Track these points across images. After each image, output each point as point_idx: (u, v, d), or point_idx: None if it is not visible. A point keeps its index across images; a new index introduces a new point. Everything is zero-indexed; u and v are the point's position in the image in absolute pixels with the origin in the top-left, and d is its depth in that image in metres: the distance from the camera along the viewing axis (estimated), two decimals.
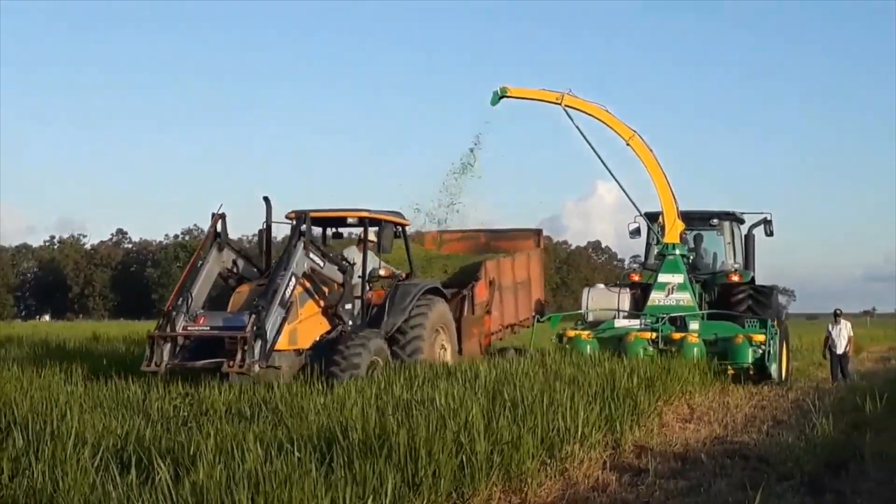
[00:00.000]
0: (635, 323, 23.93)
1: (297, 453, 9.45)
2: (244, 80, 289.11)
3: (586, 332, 24.09)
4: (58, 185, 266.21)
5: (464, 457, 10.14)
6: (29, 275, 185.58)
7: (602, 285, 26.89)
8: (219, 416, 12.13)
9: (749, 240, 26.39)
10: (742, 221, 26.74)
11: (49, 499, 7.34)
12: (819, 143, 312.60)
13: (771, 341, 22.93)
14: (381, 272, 20.13)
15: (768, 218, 26.04)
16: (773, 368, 23.24)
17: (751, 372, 23.14)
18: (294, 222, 18.06)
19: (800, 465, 12.93)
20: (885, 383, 22.66)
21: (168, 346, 16.44)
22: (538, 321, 26.34)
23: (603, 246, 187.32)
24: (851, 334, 30.33)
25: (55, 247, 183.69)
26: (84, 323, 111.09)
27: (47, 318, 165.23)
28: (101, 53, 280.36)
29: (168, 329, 16.56)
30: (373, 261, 20.37)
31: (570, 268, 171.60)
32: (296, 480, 8.13)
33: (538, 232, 28.95)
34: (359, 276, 19.39)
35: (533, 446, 11.34)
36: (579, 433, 12.68)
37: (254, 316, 15.73)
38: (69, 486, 7.71)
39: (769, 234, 26.17)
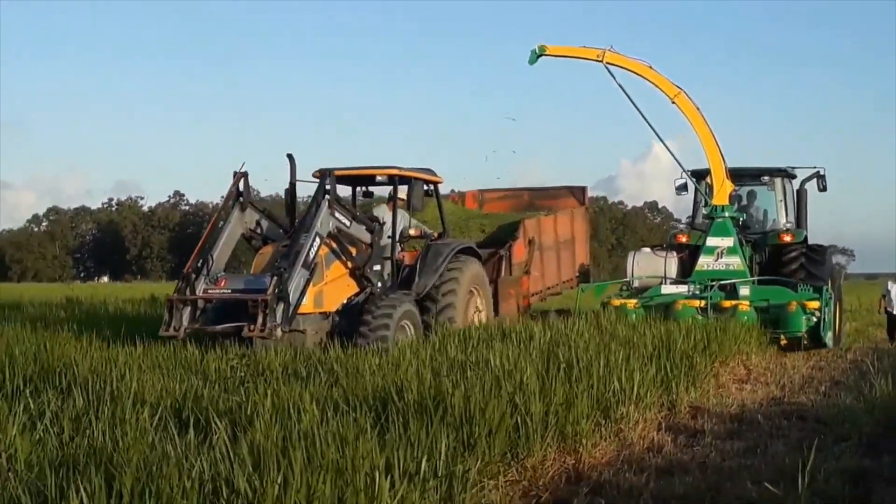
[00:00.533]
0: (683, 289, 23.00)
1: (352, 413, 9.54)
2: (300, 45, 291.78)
3: (632, 301, 23.12)
4: (116, 148, 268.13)
5: (518, 417, 10.14)
6: (88, 237, 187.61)
7: (648, 249, 25.39)
8: (275, 377, 12.22)
9: (801, 196, 25.31)
10: (794, 177, 25.65)
11: (109, 458, 7.38)
12: (874, 99, 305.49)
13: (825, 308, 21.89)
14: (412, 231, 19.40)
15: (821, 172, 25.06)
16: (829, 336, 22.24)
17: (804, 341, 22.09)
18: (321, 179, 17.29)
19: (858, 427, 12.80)
20: None
21: (188, 309, 15.94)
22: (582, 291, 25.53)
23: (660, 206, 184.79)
24: None
25: (113, 209, 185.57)
26: (142, 284, 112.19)
27: (106, 279, 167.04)
28: (160, 20, 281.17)
29: (188, 293, 16.05)
30: (404, 220, 19.70)
31: (626, 228, 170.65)
32: (351, 440, 8.17)
33: (583, 189, 28.03)
34: (388, 237, 18.67)
35: (587, 407, 11.32)
36: (634, 394, 12.67)
37: (276, 278, 15.18)
38: (128, 446, 7.79)
39: (822, 188, 25.21)
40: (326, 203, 16.48)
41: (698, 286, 22.66)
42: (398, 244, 18.99)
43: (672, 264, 23.75)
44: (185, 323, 15.56)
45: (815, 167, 25.03)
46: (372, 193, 20.49)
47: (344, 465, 7.68)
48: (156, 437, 8.29)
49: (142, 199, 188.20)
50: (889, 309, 28.70)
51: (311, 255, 15.93)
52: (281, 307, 14.99)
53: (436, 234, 20.23)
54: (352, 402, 10.18)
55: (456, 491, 8.63)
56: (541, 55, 24.56)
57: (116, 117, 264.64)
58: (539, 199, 27.08)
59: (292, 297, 15.25)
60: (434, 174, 20.18)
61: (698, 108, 23.52)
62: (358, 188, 20.57)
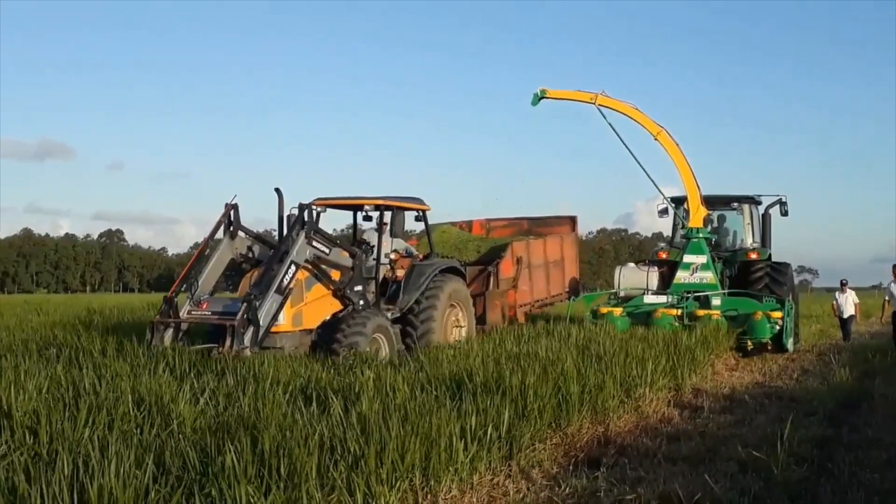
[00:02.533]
0: (663, 299, 20.90)
1: (434, 392, 9.62)
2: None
3: (618, 310, 20.90)
4: (262, 191, 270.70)
5: (560, 396, 10.22)
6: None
7: (633, 264, 23.18)
8: (375, 364, 12.30)
9: (766, 220, 23.11)
10: (759, 203, 23.42)
11: (253, 424, 7.50)
12: (833, 140, 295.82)
13: (787, 318, 19.99)
14: (392, 255, 16.88)
15: (783, 200, 22.96)
16: (790, 342, 20.41)
17: (769, 347, 20.05)
18: (300, 213, 14.73)
19: (822, 404, 12.93)
20: (888, 341, 22.24)
21: (170, 330, 13.69)
22: (571, 301, 23.14)
23: (664, 236, 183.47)
24: (857, 301, 28.53)
25: None
26: None
27: None
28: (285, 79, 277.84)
29: (170, 315, 13.81)
30: (397, 243, 17.55)
31: (642, 253, 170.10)
32: (434, 411, 8.25)
33: (573, 218, 25.47)
34: (373, 259, 16.26)
35: (613, 389, 11.37)
36: (649, 379, 12.66)
37: (245, 304, 13.05)
38: (267, 415, 7.90)
39: (784, 213, 23.05)
40: (303, 234, 14.33)
41: (676, 297, 20.77)
42: (390, 265, 16.91)
43: (653, 277, 21.83)
44: (166, 343, 13.32)
45: (778, 195, 23.22)
46: (371, 217, 17.59)
47: (429, 431, 7.75)
48: (288, 409, 8.40)
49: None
50: (840, 314, 27.93)
51: (286, 282, 13.78)
52: (251, 330, 12.98)
53: (421, 256, 18.19)
54: (434, 383, 10.22)
55: (514, 451, 8.70)
56: (542, 97, 22.64)
57: (262, 168, 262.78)
58: (537, 227, 24.63)
59: (263, 321, 13.23)
60: (422, 203, 18.06)
61: (677, 144, 21.63)
62: (359, 213, 18.12)
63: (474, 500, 7.39)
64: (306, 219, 14.52)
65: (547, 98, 22.50)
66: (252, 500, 5.76)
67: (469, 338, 16.55)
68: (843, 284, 28.30)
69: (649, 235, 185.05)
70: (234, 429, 7.38)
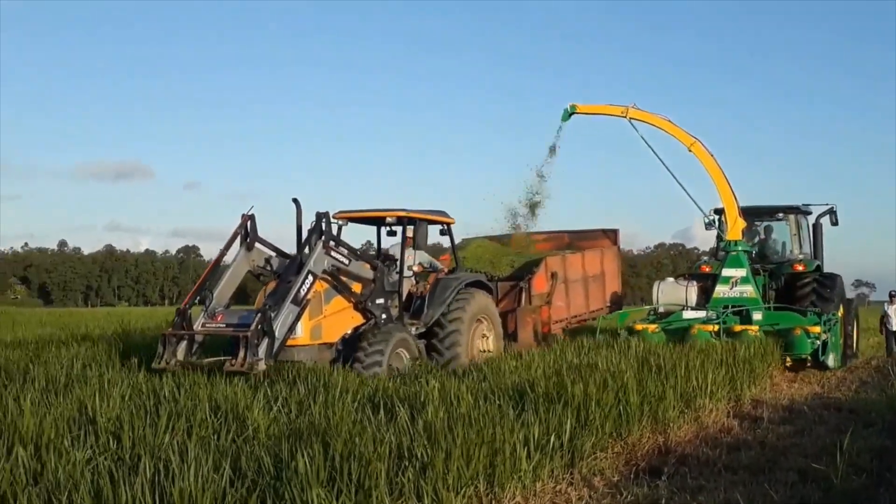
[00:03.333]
0: (701, 314, 19.49)
1: (497, 401, 9.60)
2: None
3: (653, 326, 19.40)
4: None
5: (621, 406, 10.14)
6: None
7: (672, 279, 21.84)
8: (440, 374, 12.33)
9: (817, 230, 21.43)
10: (809, 213, 21.64)
11: (324, 430, 7.55)
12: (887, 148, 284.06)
13: (828, 333, 18.27)
14: (415, 268, 15.84)
15: (833, 209, 21.04)
16: (831, 358, 18.54)
17: (808, 363, 18.51)
18: (317, 222, 13.78)
19: (881, 415, 12.63)
20: None
21: (184, 343, 12.74)
22: (604, 318, 21.34)
23: None
24: None
25: None
26: None
27: None
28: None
29: (183, 327, 12.89)
30: (421, 257, 16.41)
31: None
32: (498, 420, 8.23)
33: (615, 231, 23.83)
34: (396, 273, 15.20)
35: (673, 399, 11.28)
36: (709, 390, 12.54)
37: (259, 315, 12.14)
38: (338, 422, 7.95)
39: (834, 223, 21.12)
40: (321, 244, 13.35)
41: (715, 312, 19.28)
42: (415, 278, 16.02)
43: (692, 292, 20.34)
44: (178, 356, 12.50)
45: (829, 204, 21.27)
46: (395, 232, 16.47)
47: (493, 439, 7.73)
48: (357, 416, 8.45)
49: None
50: (888, 325, 26.32)
51: (302, 293, 12.79)
52: (266, 342, 12.04)
53: (446, 270, 16.94)
54: (497, 392, 10.21)
55: (576, 459, 8.66)
56: (573, 113, 21.53)
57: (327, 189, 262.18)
58: (577, 240, 23.17)
59: (278, 333, 12.27)
60: (446, 215, 16.81)
61: (712, 155, 20.15)
62: (382, 228, 16.89)
63: None
64: (324, 228, 13.62)
65: (578, 113, 21.57)
66: (323, 502, 5.78)
67: (497, 354, 15.59)
68: (893, 296, 26.55)
69: (706, 249, 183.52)
70: (306, 435, 7.43)
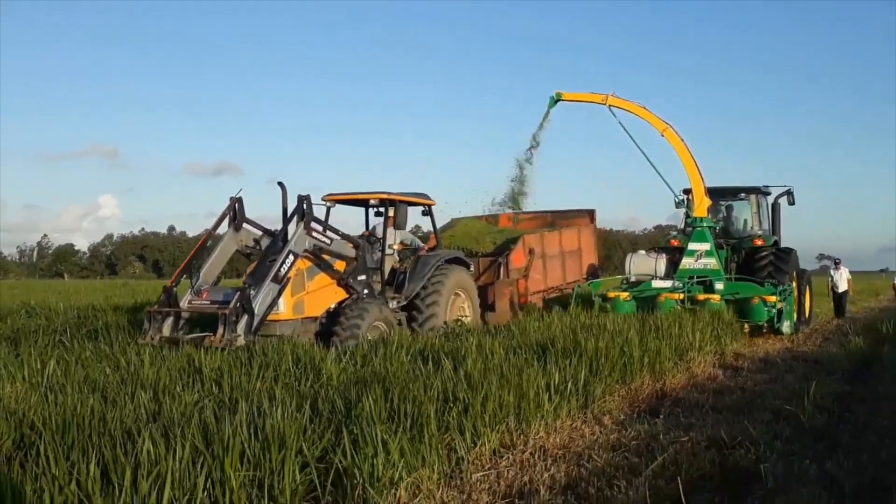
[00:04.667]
0: (668, 283, 18.10)
1: (524, 354, 9.64)
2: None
3: (625, 294, 18.00)
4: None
5: (625, 359, 10.16)
6: None
7: (643, 252, 20.03)
8: (476, 333, 12.37)
9: (775, 209, 19.80)
10: (768, 194, 19.97)
11: (383, 378, 7.65)
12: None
13: (783, 302, 16.98)
14: (395, 246, 14.37)
15: (791, 190, 19.46)
16: (786, 325, 17.13)
17: (764, 329, 17.26)
18: (299, 204, 12.31)
19: (841, 365, 12.60)
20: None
21: (170, 319, 11.41)
22: (578, 287, 19.36)
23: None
24: (850, 278, 25.67)
25: None
26: None
27: None
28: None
29: (168, 304, 11.55)
30: (404, 236, 15.01)
31: None
32: (524, 369, 8.29)
33: (591, 211, 21.92)
34: (378, 250, 13.92)
35: (669, 353, 11.31)
36: (698, 345, 12.53)
37: (238, 293, 10.92)
38: (395, 371, 8.04)
39: (791, 203, 19.51)
40: (302, 225, 11.97)
41: (681, 282, 17.96)
42: (396, 255, 14.47)
43: (661, 263, 18.80)
44: (163, 332, 11.24)
45: (785, 185, 19.71)
46: (382, 213, 14.64)
47: (520, 385, 7.79)
48: (410, 367, 8.53)
49: None
50: (835, 289, 25.58)
51: (283, 271, 11.45)
52: (245, 319, 10.78)
53: (425, 247, 15.43)
54: (523, 348, 10.24)
55: (589, 402, 8.69)
56: (557, 100, 19.68)
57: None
58: (558, 219, 21.37)
59: (258, 310, 10.99)
60: (427, 197, 15.09)
61: (683, 140, 18.46)
62: (370, 210, 15.05)
63: (558, 440, 7.38)
64: (305, 210, 12.13)
65: (563, 100, 19.72)
66: (385, 437, 5.86)
67: (474, 324, 14.40)
68: (837, 263, 25.89)
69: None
70: (370, 382, 7.52)
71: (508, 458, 6.74)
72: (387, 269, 14.00)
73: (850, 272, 26.19)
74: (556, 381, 8.33)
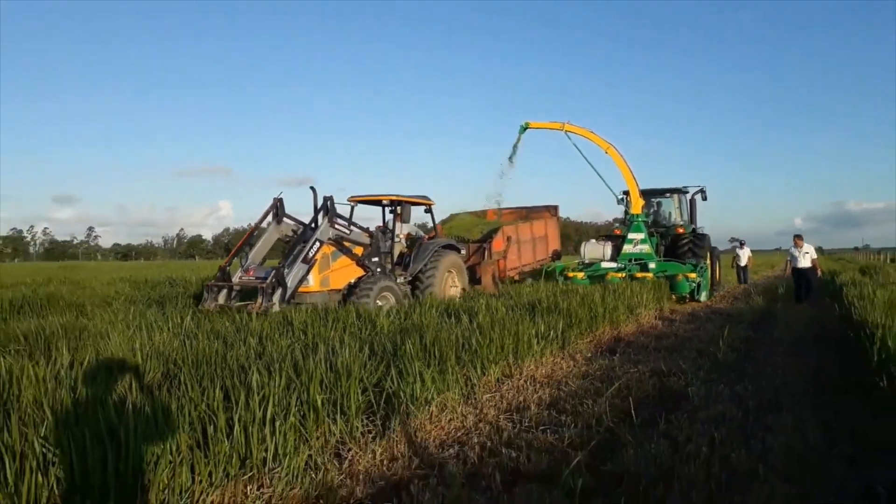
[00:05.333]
0: (613, 264, 17.16)
1: (519, 310, 9.61)
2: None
3: (581, 273, 16.89)
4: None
5: (591, 314, 10.11)
6: None
7: (594, 240, 18.93)
8: (484, 295, 12.35)
9: (692, 204, 18.90)
10: (687, 192, 19.06)
11: (419, 327, 7.59)
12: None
13: (700, 278, 16.24)
14: (401, 236, 13.60)
15: (703, 189, 18.73)
16: (703, 295, 16.45)
17: (686, 298, 16.21)
18: (324, 203, 11.62)
19: (746, 317, 12.49)
20: (786, 280, 21.21)
21: (224, 291, 10.97)
22: (546, 267, 17.91)
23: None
24: (750, 255, 24.70)
25: None
26: None
27: None
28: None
29: (223, 280, 11.14)
30: (409, 228, 14.30)
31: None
32: (519, 322, 8.28)
33: (555, 207, 20.30)
34: (389, 240, 13.21)
35: (623, 309, 11.21)
36: (644, 303, 12.43)
37: (274, 271, 10.45)
38: (428, 323, 8.04)
39: (704, 199, 18.75)
40: (326, 219, 11.46)
41: (623, 262, 17.15)
42: (403, 243, 13.68)
43: (608, 249, 17.89)
44: (220, 301, 10.79)
45: (700, 186, 18.84)
46: (396, 210, 13.66)
47: (517, 333, 7.78)
48: (438, 320, 8.53)
49: None
50: (738, 263, 24.44)
51: (311, 254, 10.94)
52: (280, 291, 10.32)
53: (426, 237, 14.65)
54: (518, 306, 10.21)
55: (565, 345, 8.66)
56: (526, 128, 17.96)
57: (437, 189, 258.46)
58: (531, 213, 20.01)
59: (291, 283, 10.51)
60: (428, 199, 14.11)
61: (622, 155, 17.32)
62: (386, 209, 13.99)
63: (543, 372, 7.39)
64: (329, 207, 11.56)
65: (530, 128, 18.06)
66: (421, 370, 5.89)
67: (463, 295, 13.37)
68: (742, 244, 24.59)
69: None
70: (411, 331, 7.53)
71: (508, 384, 6.76)
72: (396, 253, 13.39)
73: (753, 251, 25.77)
74: (542, 330, 8.30)
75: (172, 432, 3.97)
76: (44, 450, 3.61)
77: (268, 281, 10.27)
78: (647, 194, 18.51)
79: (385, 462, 4.67)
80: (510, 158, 18.97)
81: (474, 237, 17.87)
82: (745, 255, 24.42)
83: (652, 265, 16.74)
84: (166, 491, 3.80)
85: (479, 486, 4.33)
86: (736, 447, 4.80)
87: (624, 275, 16.37)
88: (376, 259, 12.61)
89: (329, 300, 11.45)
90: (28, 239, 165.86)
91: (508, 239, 17.53)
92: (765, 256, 57.45)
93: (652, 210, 19.21)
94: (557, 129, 17.74)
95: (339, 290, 11.86)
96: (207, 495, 3.94)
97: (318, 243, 11.10)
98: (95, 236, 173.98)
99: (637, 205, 17.50)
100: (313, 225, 11.66)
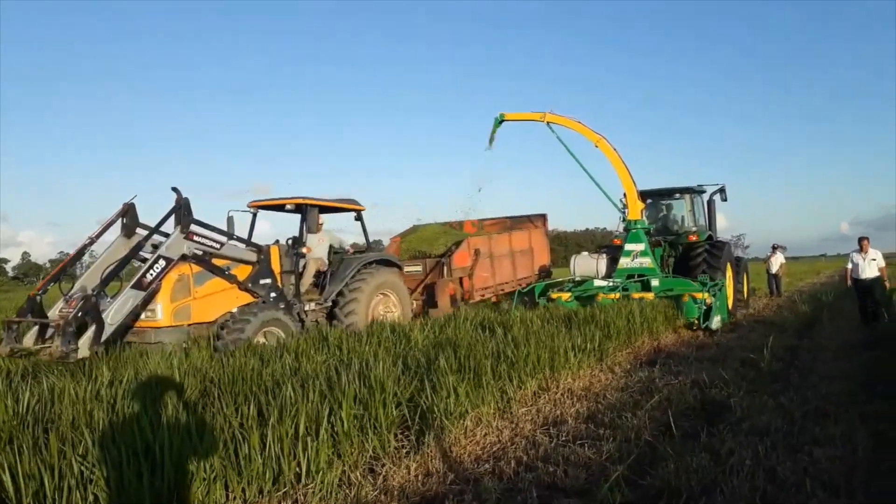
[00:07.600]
0: (605, 283, 13.92)
1: (554, 323, 9.48)
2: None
3: (566, 294, 13.55)
4: None
5: (631, 326, 9.95)
6: None
7: (586, 253, 15.94)
8: (519, 310, 12.22)
9: (710, 206, 15.82)
10: (703, 192, 15.89)
11: (453, 341, 7.54)
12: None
13: (713, 298, 12.23)
14: (303, 249, 10.37)
15: (723, 188, 15.54)
16: (715, 321, 12.09)
17: (694, 325, 12.09)
18: (177, 208, 8.45)
19: (792, 326, 12.32)
20: (832, 288, 20.57)
21: (35, 328, 7.73)
22: (520, 291, 14.39)
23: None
24: (783, 261, 21.59)
25: None
26: None
27: None
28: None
29: (30, 314, 7.79)
30: (332, 239, 11.25)
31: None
32: (555, 335, 8.17)
33: (543, 216, 17.30)
34: (295, 253, 10.14)
35: (663, 320, 11.11)
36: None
37: (82, 302, 7.40)
38: (462, 336, 7.99)
39: (724, 199, 15.58)
40: (178, 229, 8.37)
41: (620, 280, 13.76)
42: (320, 259, 10.76)
43: (602, 263, 14.87)
44: (25, 343, 7.58)
45: (719, 184, 15.68)
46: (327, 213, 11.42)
47: (553, 346, 7.68)
48: (472, 333, 8.47)
49: None
50: (769, 271, 21.44)
51: (149, 277, 7.86)
52: (92, 329, 7.28)
53: (351, 250, 11.49)
54: (553, 319, 10.08)
55: (603, 357, 8.53)
56: (502, 121, 15.05)
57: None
58: (515, 224, 16.97)
59: (111, 318, 7.46)
60: (357, 203, 11.50)
61: (615, 150, 14.06)
62: (322, 214, 11.00)
63: (581, 384, 7.28)
64: (183, 213, 8.44)
65: (506, 120, 15.11)
66: (454, 384, 5.84)
67: (405, 321, 10.76)
68: (775, 248, 21.59)
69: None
70: (444, 345, 7.48)
71: (545, 397, 6.66)
72: (311, 271, 10.54)
73: (794, 258, 25.01)
74: (579, 343, 8.18)
75: (207, 449, 4.00)
76: (82, 468, 3.68)
77: (70, 317, 7.23)
78: (652, 196, 15.87)
79: (420, 477, 4.63)
80: (489, 143, 15.59)
81: (436, 251, 14.92)
82: (776, 263, 21.47)
83: (655, 282, 13.46)
84: None
85: (514, 501, 4.26)
86: (781, 460, 4.62)
87: (618, 295, 13.04)
88: (267, 280, 9.55)
89: (193, 337, 8.40)
90: None
91: (477, 252, 14.51)
92: (809, 263, 55.90)
93: (661, 214, 16.22)
94: (537, 119, 14.86)
95: (212, 323, 8.77)
96: None
97: (162, 262, 8.08)
98: None
99: (635, 209, 14.28)
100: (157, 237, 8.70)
